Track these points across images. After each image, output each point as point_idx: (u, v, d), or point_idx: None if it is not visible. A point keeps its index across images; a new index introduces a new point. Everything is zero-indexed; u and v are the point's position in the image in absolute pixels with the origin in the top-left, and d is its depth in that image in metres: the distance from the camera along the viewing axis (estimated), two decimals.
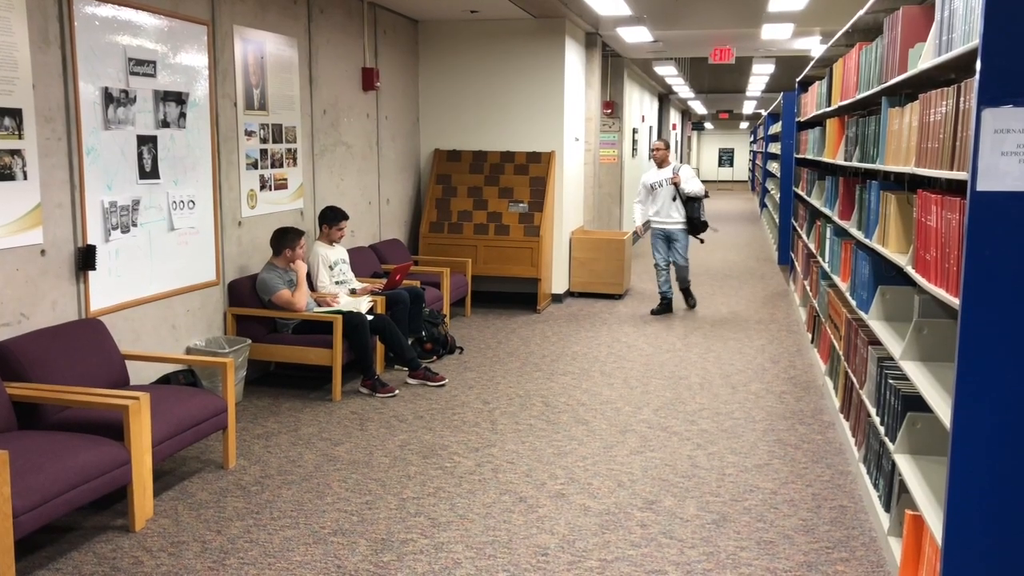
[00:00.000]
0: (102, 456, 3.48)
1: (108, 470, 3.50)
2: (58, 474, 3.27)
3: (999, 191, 2.41)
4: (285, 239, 5.67)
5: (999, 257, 2.45)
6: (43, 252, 4.15)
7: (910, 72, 3.49)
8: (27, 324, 4.07)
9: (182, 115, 5.10)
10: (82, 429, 3.73)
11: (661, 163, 8.39)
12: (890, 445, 3.45)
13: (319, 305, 5.95)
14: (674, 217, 8.29)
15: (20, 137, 3.95)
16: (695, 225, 8.32)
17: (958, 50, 2.76)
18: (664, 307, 8.51)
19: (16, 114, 3.92)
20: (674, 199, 8.25)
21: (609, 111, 12.58)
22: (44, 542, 3.55)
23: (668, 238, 8.41)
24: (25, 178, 3.99)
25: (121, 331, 4.66)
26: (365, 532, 3.69)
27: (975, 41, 2.51)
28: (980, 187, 2.42)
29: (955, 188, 3.26)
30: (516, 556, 3.48)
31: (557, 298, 9.06)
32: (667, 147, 8.42)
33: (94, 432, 3.68)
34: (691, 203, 8.25)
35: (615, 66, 12.58)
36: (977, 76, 2.40)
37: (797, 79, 9.44)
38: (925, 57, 3.26)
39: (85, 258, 4.37)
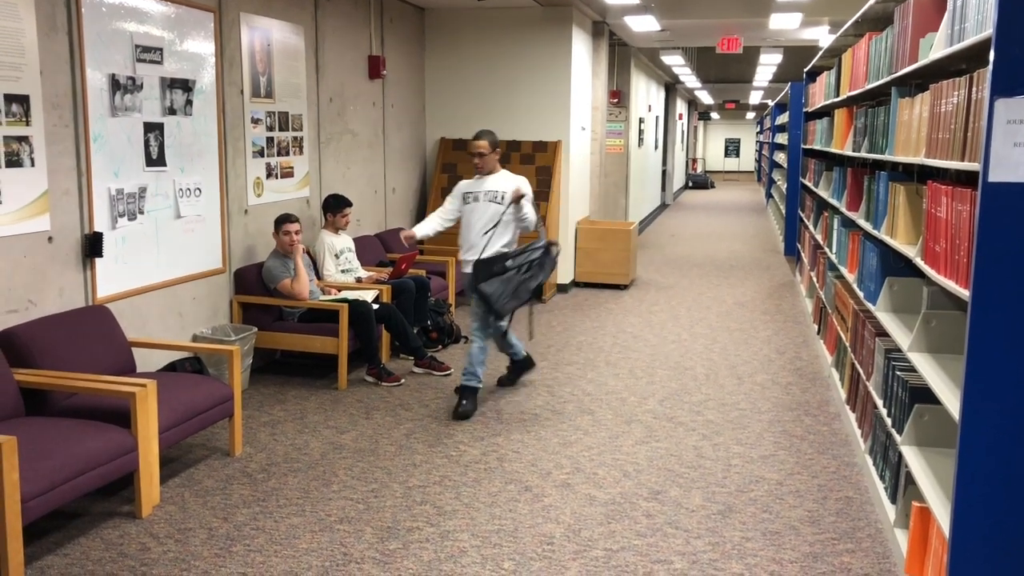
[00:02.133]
0: (109, 443, 3.49)
1: (115, 457, 3.51)
2: (66, 460, 3.28)
3: (1011, 182, 2.40)
4: (276, 226, 5.67)
5: (1010, 248, 2.43)
6: (50, 239, 4.15)
7: (921, 62, 3.47)
8: (34, 311, 4.07)
9: (189, 102, 5.09)
10: (89, 416, 3.74)
11: (488, 171, 5.28)
12: (897, 437, 3.44)
13: (324, 293, 5.95)
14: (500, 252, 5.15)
15: (27, 124, 3.95)
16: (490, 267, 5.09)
17: (971, 40, 2.74)
18: (518, 368, 5.65)
19: (23, 100, 3.92)
20: (497, 225, 5.15)
21: (616, 100, 12.55)
22: (52, 528, 3.56)
23: None
24: (32, 165, 3.99)
25: (128, 318, 4.66)
26: (371, 520, 3.69)
27: (988, 30, 2.49)
28: (992, 178, 2.40)
29: (965, 179, 3.24)
30: (522, 545, 3.49)
31: (562, 288, 9.05)
32: (493, 148, 5.25)
33: (101, 419, 3.69)
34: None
35: (622, 55, 12.54)
36: (990, 66, 2.38)
37: (805, 69, 9.40)
38: (937, 47, 3.24)
39: (92, 245, 4.37)
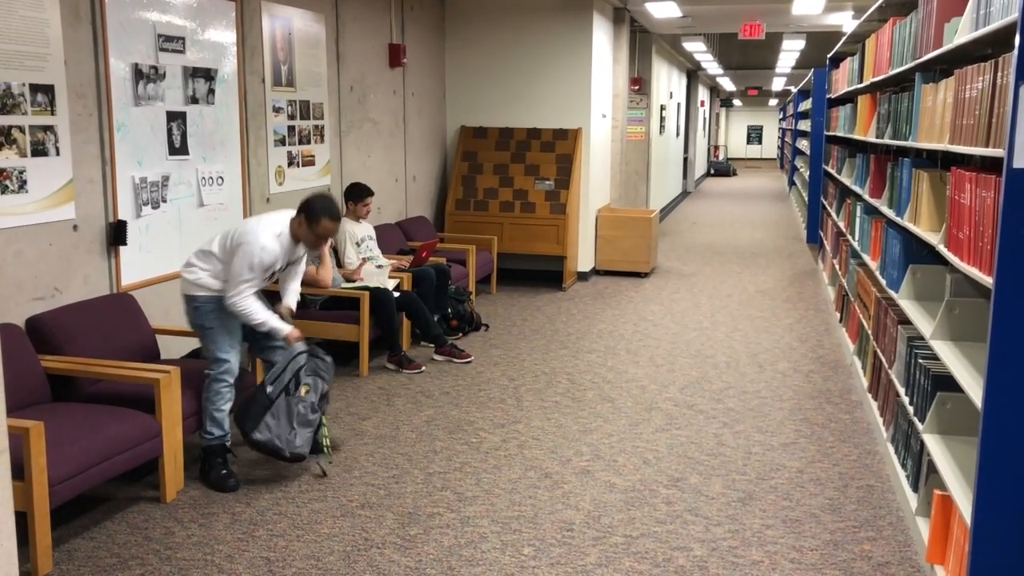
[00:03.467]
0: (134, 428, 3.54)
1: (140, 442, 3.55)
2: (92, 445, 3.33)
3: None
4: None
5: None
6: (75, 227, 4.20)
7: (945, 47, 3.43)
8: (60, 298, 4.12)
9: (211, 91, 5.12)
10: (114, 402, 3.78)
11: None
12: (919, 425, 3.42)
13: (347, 281, 5.98)
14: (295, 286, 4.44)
15: (52, 113, 3.99)
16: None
17: (996, 24, 2.70)
18: (220, 476, 3.88)
19: (48, 90, 3.96)
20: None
21: (637, 87, 12.48)
22: (79, 512, 3.62)
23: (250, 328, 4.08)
24: (57, 154, 4.04)
25: (151, 306, 4.71)
26: (392, 506, 3.72)
27: (1014, 14, 2.46)
28: (1016, 164, 2.38)
29: (990, 165, 3.20)
30: (541, 531, 3.50)
31: (583, 276, 9.04)
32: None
33: (126, 405, 3.73)
34: None
35: (643, 42, 12.46)
36: (1015, 51, 2.35)
37: (828, 55, 9.31)
38: (961, 32, 3.20)
39: (116, 233, 4.42)
